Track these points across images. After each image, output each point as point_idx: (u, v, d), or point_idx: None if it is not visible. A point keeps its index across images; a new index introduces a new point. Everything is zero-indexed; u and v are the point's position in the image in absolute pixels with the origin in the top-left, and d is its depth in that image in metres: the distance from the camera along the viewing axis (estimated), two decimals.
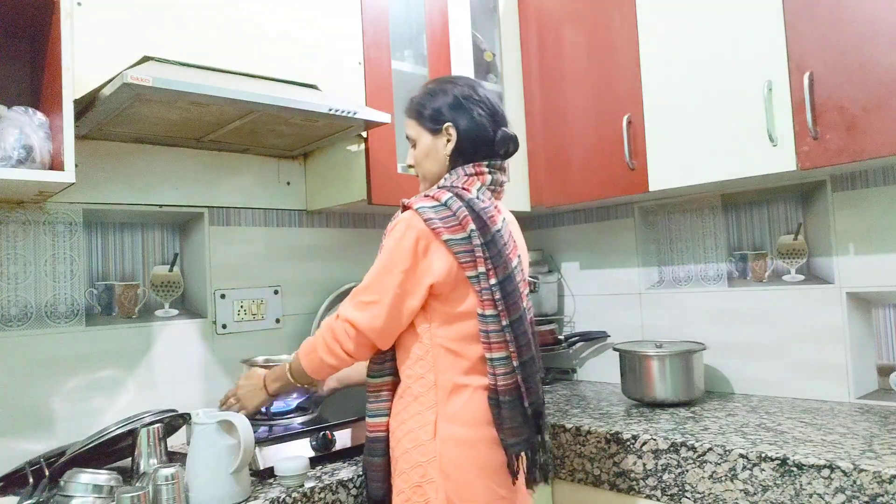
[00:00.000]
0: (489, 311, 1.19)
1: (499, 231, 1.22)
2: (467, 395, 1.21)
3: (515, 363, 1.20)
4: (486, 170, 1.29)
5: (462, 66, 1.99)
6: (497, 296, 1.19)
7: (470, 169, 1.29)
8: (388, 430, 1.26)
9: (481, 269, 1.19)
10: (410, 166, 1.38)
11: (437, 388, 1.21)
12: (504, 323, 1.19)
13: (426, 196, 1.24)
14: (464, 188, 1.25)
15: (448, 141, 1.30)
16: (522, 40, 2.19)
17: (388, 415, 1.26)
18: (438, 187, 1.28)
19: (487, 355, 1.19)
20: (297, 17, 1.66)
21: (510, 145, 1.32)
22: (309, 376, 1.27)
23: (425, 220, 1.18)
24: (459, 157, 1.30)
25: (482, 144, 1.30)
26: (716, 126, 1.68)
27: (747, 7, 1.62)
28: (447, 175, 1.31)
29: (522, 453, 1.20)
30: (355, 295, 1.22)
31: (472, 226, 1.19)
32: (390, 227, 1.25)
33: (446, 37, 1.96)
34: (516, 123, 2.13)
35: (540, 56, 2.15)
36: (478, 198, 1.24)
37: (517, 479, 1.21)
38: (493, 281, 1.19)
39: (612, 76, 1.93)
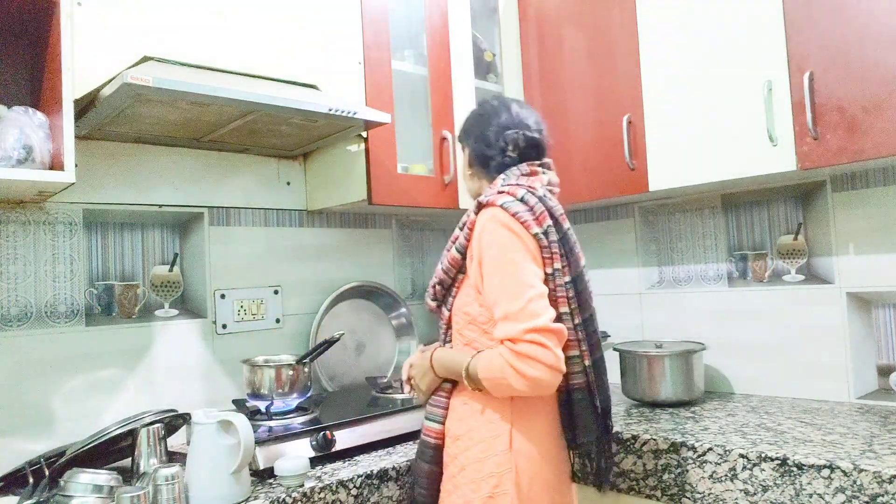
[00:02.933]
0: (563, 309, 1.17)
1: (569, 229, 1.23)
2: (540, 405, 1.20)
3: (587, 362, 1.20)
4: (540, 169, 1.29)
5: (462, 66, 1.99)
6: (570, 293, 1.18)
7: (525, 168, 1.28)
8: (442, 438, 1.24)
9: (557, 265, 1.17)
10: None
11: (513, 399, 1.18)
12: (576, 321, 1.18)
13: (500, 192, 1.22)
14: (530, 187, 1.24)
15: (467, 156, 1.36)
16: (522, 40, 2.19)
17: (444, 421, 1.24)
18: (507, 184, 1.25)
19: None
20: (297, 17, 1.66)
21: (519, 142, 1.28)
22: (480, 385, 1.16)
23: (512, 215, 1.17)
24: (477, 168, 1.34)
25: (491, 155, 1.30)
26: (716, 126, 1.68)
27: (747, 7, 1.62)
28: (502, 176, 1.28)
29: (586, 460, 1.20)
30: (507, 313, 1.11)
31: (549, 221, 1.18)
32: (477, 232, 1.18)
33: (446, 37, 1.96)
34: None
35: (540, 56, 2.15)
36: (545, 195, 1.24)
37: (574, 480, 1.22)
38: (567, 278, 1.18)
39: (612, 76, 1.93)
